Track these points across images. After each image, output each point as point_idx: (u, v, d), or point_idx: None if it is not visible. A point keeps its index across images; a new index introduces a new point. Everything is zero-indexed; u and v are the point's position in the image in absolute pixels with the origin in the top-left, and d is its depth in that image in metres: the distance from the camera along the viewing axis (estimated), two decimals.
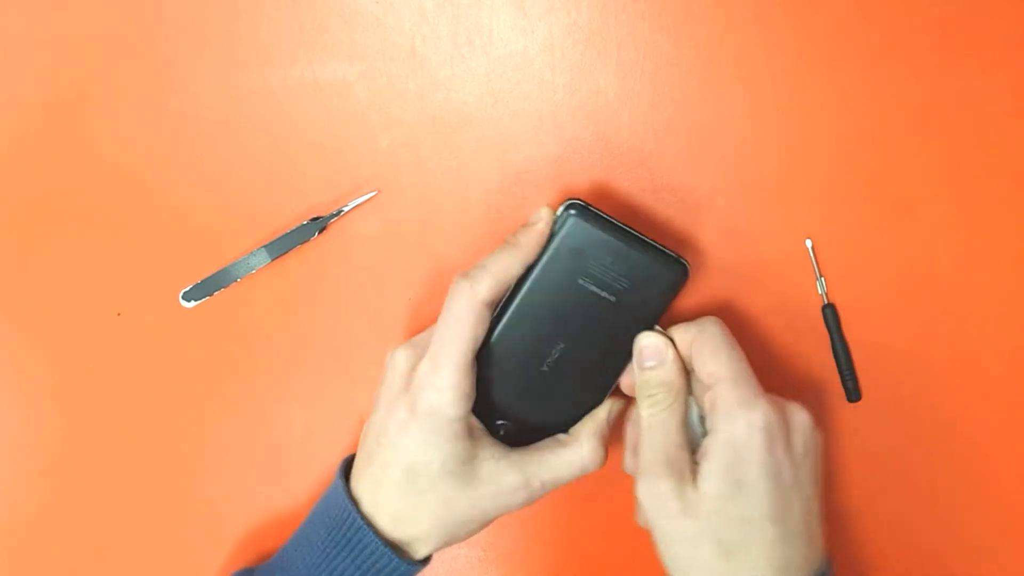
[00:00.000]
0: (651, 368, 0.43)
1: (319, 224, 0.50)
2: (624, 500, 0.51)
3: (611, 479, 0.51)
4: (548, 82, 0.50)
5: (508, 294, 0.43)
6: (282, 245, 0.50)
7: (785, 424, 0.41)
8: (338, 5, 0.50)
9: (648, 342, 0.43)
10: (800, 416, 0.42)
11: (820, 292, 0.50)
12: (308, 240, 0.50)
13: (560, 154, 0.50)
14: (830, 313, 0.49)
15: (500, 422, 0.45)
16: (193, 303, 0.51)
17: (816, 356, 0.50)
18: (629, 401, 0.46)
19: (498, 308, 0.43)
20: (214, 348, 0.52)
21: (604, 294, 0.43)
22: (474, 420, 0.43)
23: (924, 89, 0.49)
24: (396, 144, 0.51)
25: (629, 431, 0.45)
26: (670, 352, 0.43)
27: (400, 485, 0.43)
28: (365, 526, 0.43)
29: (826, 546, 0.42)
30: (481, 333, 0.42)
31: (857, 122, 0.49)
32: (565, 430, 0.45)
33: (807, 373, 0.50)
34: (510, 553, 0.52)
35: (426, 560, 0.45)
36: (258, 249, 0.51)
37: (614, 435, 0.46)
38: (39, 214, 0.52)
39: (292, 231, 0.50)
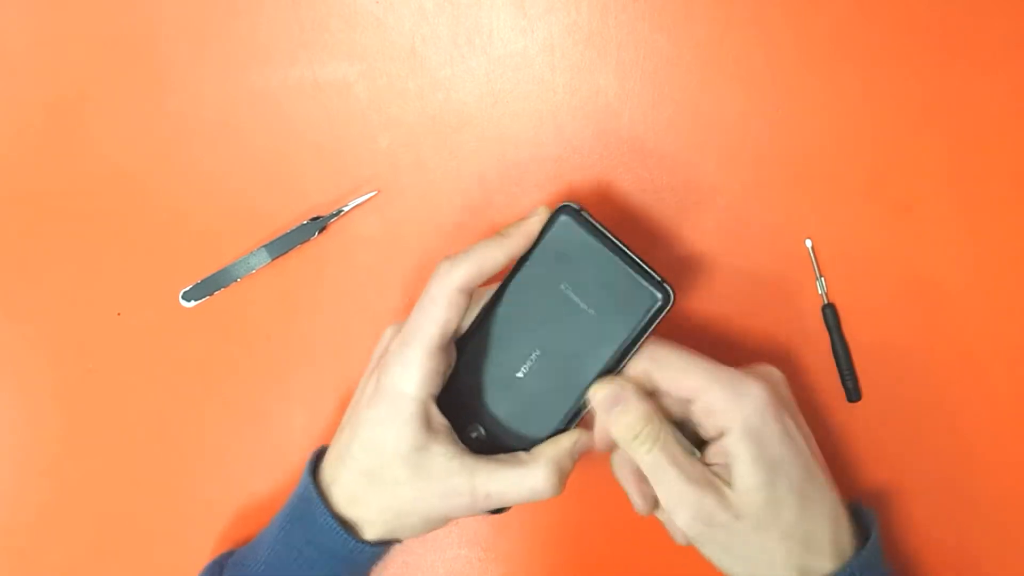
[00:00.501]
0: (622, 411, 0.41)
1: (319, 224, 0.50)
2: (625, 501, 0.51)
3: (612, 480, 0.51)
4: (548, 82, 0.50)
5: (494, 292, 0.43)
6: (282, 245, 0.50)
7: (772, 385, 0.42)
8: (338, 5, 0.50)
9: (604, 391, 0.42)
10: (774, 372, 0.43)
11: (820, 292, 0.50)
12: (308, 240, 0.50)
13: (560, 154, 0.50)
14: (830, 313, 0.49)
15: (472, 429, 0.44)
16: (193, 303, 0.51)
17: (816, 356, 0.50)
18: (592, 439, 0.44)
19: (483, 305, 0.43)
20: (214, 348, 0.52)
21: (584, 305, 0.42)
22: (436, 411, 0.42)
23: (924, 89, 0.49)
24: (396, 144, 0.51)
25: (620, 475, 0.44)
26: (628, 387, 0.42)
27: (356, 461, 0.43)
28: (318, 499, 0.43)
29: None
30: (454, 318, 0.41)
31: (857, 122, 0.49)
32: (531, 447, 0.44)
33: (807, 373, 0.50)
34: (510, 553, 0.52)
35: (380, 547, 0.44)
36: (258, 249, 0.51)
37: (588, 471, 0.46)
38: (39, 214, 0.52)
39: (292, 231, 0.50)
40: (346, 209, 0.51)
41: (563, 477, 0.43)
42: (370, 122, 0.51)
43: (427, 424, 0.42)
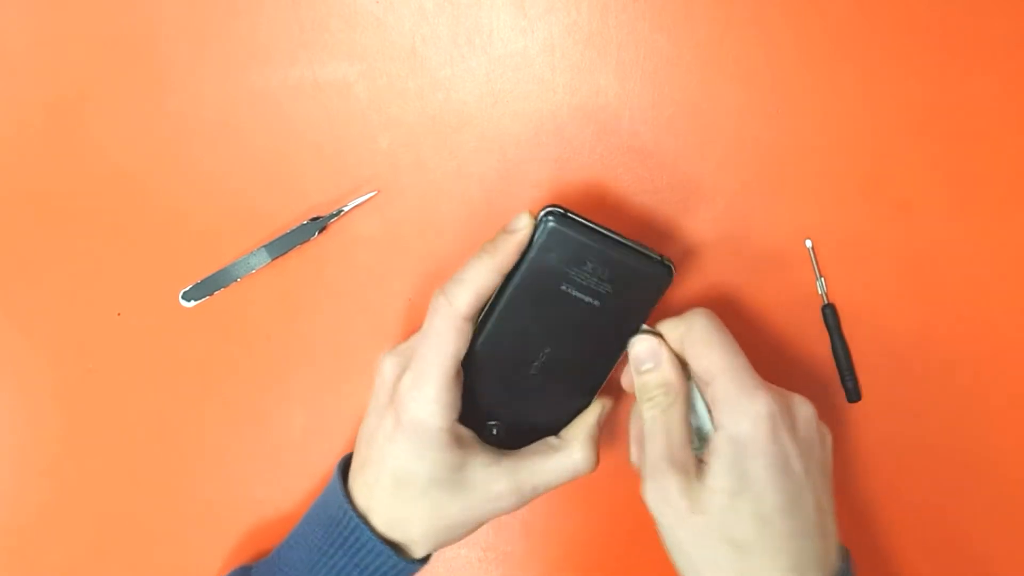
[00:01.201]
0: (648, 371, 0.42)
1: (319, 224, 0.50)
2: (624, 500, 0.51)
3: (611, 479, 0.51)
4: (548, 82, 0.50)
5: (491, 300, 0.43)
6: (282, 245, 0.50)
7: (789, 414, 0.40)
8: (338, 5, 0.50)
9: (642, 346, 0.43)
10: (804, 407, 0.42)
11: (820, 292, 0.50)
12: (308, 240, 0.50)
13: (560, 154, 0.50)
14: (830, 313, 0.49)
15: (491, 423, 0.45)
16: (193, 303, 0.51)
17: (816, 356, 0.50)
18: (620, 398, 0.45)
19: (482, 314, 0.43)
20: (214, 348, 0.52)
21: (588, 299, 0.42)
22: (462, 428, 0.43)
23: (924, 89, 0.49)
24: (396, 144, 0.51)
25: (632, 425, 0.44)
26: (664, 352, 0.42)
27: (390, 492, 0.43)
28: (362, 524, 0.43)
29: (842, 542, 0.42)
30: (462, 346, 0.42)
31: (857, 122, 0.49)
32: (556, 431, 0.45)
33: (807, 373, 0.50)
34: (510, 553, 0.52)
35: (425, 559, 0.45)
36: (258, 249, 0.51)
37: (614, 433, 0.46)
38: (39, 214, 0.52)
39: (292, 231, 0.50)
40: (346, 209, 0.51)
41: (597, 449, 0.44)
42: (370, 122, 0.51)
43: (458, 444, 0.42)
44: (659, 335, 0.43)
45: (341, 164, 0.51)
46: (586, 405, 0.45)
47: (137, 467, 0.53)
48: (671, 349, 0.42)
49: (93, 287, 0.52)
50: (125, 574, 0.53)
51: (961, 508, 0.50)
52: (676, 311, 0.50)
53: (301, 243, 0.50)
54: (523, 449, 0.44)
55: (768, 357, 0.50)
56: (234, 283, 0.51)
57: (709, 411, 0.42)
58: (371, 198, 0.51)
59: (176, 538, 0.53)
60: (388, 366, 0.44)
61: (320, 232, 0.50)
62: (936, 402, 0.50)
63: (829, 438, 0.43)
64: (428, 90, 0.50)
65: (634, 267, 0.41)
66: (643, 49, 0.49)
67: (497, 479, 0.43)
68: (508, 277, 0.42)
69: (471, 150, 0.51)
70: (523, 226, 0.41)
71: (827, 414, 0.50)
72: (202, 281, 0.51)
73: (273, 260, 0.51)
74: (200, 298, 0.51)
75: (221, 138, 0.51)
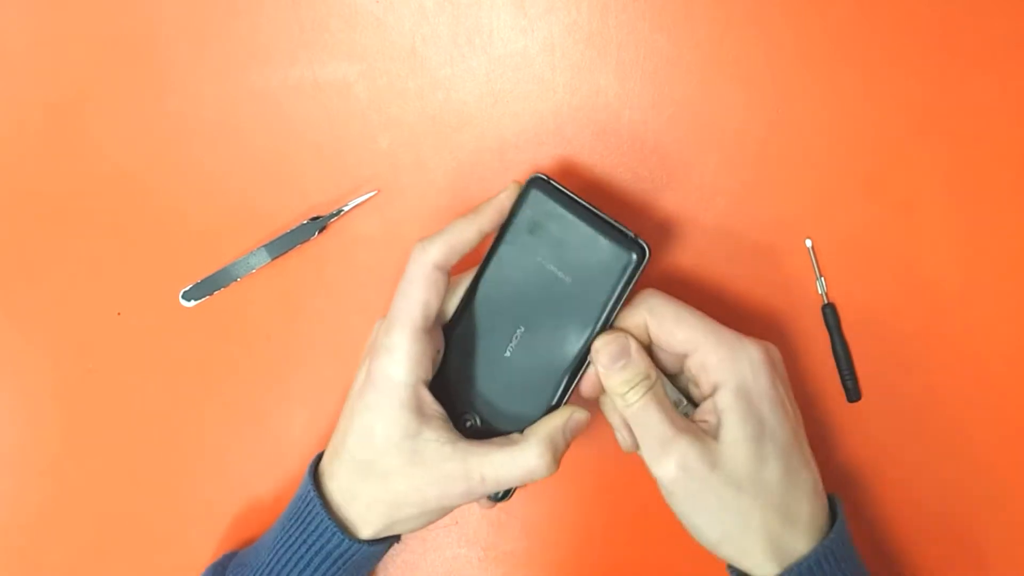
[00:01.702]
0: (622, 367, 0.42)
1: (319, 224, 0.50)
2: (624, 500, 0.51)
3: (611, 480, 0.51)
4: (548, 82, 0.50)
5: (474, 275, 0.43)
6: (282, 245, 0.50)
7: (770, 355, 0.42)
8: (338, 5, 0.50)
9: (610, 347, 0.42)
10: (775, 350, 0.43)
11: (820, 292, 0.50)
12: (308, 240, 0.50)
13: (560, 154, 0.50)
14: (830, 313, 0.49)
15: (467, 416, 0.44)
16: (193, 303, 0.51)
17: (816, 356, 0.50)
18: (588, 416, 0.44)
19: (464, 290, 0.43)
20: (214, 348, 0.52)
21: (562, 274, 0.42)
22: (431, 399, 0.42)
23: (924, 89, 0.49)
24: (396, 144, 0.51)
25: (611, 415, 0.44)
26: (631, 343, 0.42)
27: (350, 453, 0.43)
28: (317, 499, 0.43)
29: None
30: (434, 297, 0.41)
31: (857, 122, 0.49)
32: (528, 422, 0.44)
33: (807, 373, 0.50)
34: (510, 553, 0.52)
35: (377, 543, 0.44)
36: (258, 249, 0.51)
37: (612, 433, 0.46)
38: (39, 214, 0.52)
39: (292, 231, 0.50)
40: (346, 209, 0.51)
41: (557, 454, 0.42)
42: (370, 122, 0.51)
43: (419, 410, 0.42)
44: (620, 329, 0.43)
45: (341, 164, 0.51)
46: (557, 399, 0.44)
47: (137, 467, 0.53)
48: (635, 338, 0.42)
49: (93, 287, 0.52)
50: (125, 574, 0.53)
51: (961, 507, 0.50)
52: None
53: (301, 243, 0.50)
54: (486, 440, 0.43)
55: None
56: (234, 283, 0.51)
57: (683, 385, 0.44)
58: (371, 198, 0.51)
59: (176, 538, 0.53)
60: (377, 325, 0.45)
61: (320, 232, 0.50)
62: (936, 402, 0.50)
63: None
64: (428, 90, 0.50)
65: (609, 243, 0.41)
66: (643, 49, 0.49)
67: (448, 459, 0.41)
68: (491, 249, 0.43)
69: (471, 150, 0.51)
70: (508, 189, 0.42)
71: (827, 414, 0.50)
72: (202, 281, 0.51)
73: (273, 260, 0.51)
74: (200, 298, 0.51)
75: (221, 138, 0.51)
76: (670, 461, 0.40)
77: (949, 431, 0.50)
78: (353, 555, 0.43)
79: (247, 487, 0.52)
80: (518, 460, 0.42)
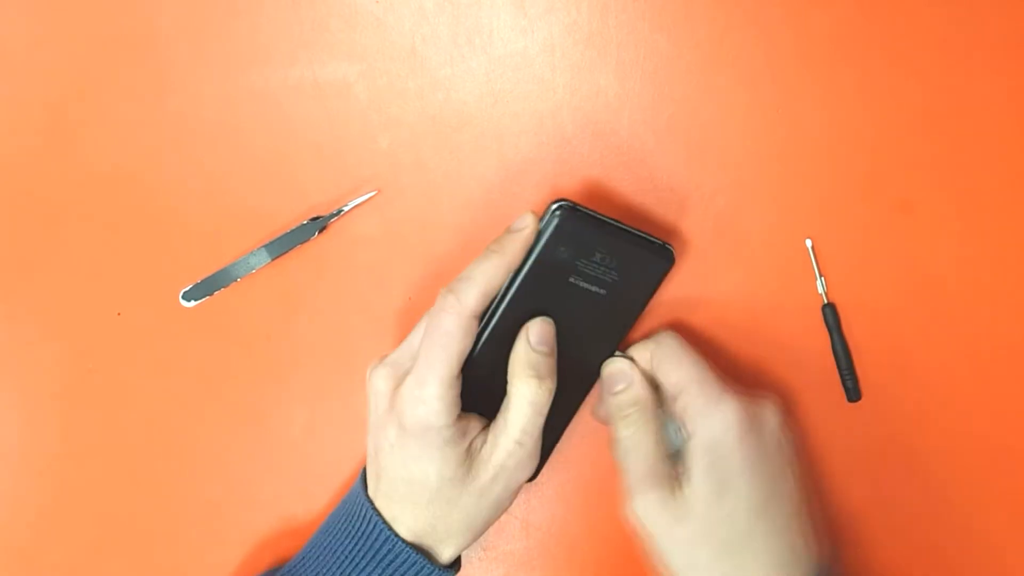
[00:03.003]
0: (621, 391, 0.44)
1: (319, 224, 0.50)
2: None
3: (611, 480, 0.51)
4: (548, 82, 0.50)
5: (499, 296, 0.43)
6: (282, 245, 0.50)
7: (757, 418, 0.42)
8: (338, 5, 0.50)
9: (613, 368, 0.44)
10: (771, 411, 0.43)
11: (820, 292, 0.50)
12: (308, 240, 0.50)
13: (560, 154, 0.50)
14: (830, 313, 0.49)
15: None
16: (193, 303, 0.51)
17: (816, 356, 0.50)
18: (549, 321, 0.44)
19: (487, 314, 0.43)
20: (214, 348, 0.52)
21: (594, 289, 0.43)
22: (466, 421, 0.43)
23: (924, 89, 0.49)
24: (396, 144, 0.51)
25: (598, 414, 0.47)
26: (635, 372, 0.44)
27: (407, 498, 0.43)
28: (393, 536, 0.43)
29: (824, 542, 0.43)
30: (468, 345, 0.42)
31: (857, 122, 0.49)
32: (558, 428, 0.46)
33: (807, 373, 0.50)
34: (510, 553, 0.52)
35: (455, 565, 0.45)
36: (258, 249, 0.51)
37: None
38: (39, 214, 0.52)
39: (292, 231, 0.50)
40: (346, 209, 0.51)
41: (539, 369, 0.42)
42: (370, 122, 0.51)
43: (463, 436, 0.42)
44: (629, 357, 0.45)
45: (341, 164, 0.51)
46: (580, 400, 0.46)
47: (137, 467, 0.52)
48: (641, 369, 0.44)
49: (93, 287, 0.52)
50: (125, 574, 0.53)
51: (962, 507, 0.50)
52: (675, 311, 0.50)
53: (301, 243, 0.50)
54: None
55: (768, 357, 0.50)
56: (234, 283, 0.51)
57: (678, 426, 0.44)
58: (371, 198, 0.51)
59: (176, 538, 0.53)
60: (380, 378, 0.44)
61: (320, 232, 0.50)
62: (936, 402, 0.50)
63: (793, 436, 0.44)
64: (428, 90, 0.50)
65: (639, 254, 0.43)
66: (643, 49, 0.49)
67: (491, 452, 0.43)
68: (518, 271, 0.43)
69: (471, 150, 0.51)
70: (528, 224, 0.42)
71: (827, 414, 0.50)
72: (202, 281, 0.51)
73: (273, 260, 0.51)
74: (200, 298, 0.51)
75: (221, 138, 0.51)
76: (636, 505, 0.42)
77: (949, 431, 0.50)
78: None
79: (247, 487, 0.52)
80: (519, 402, 0.42)
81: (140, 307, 0.52)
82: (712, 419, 0.41)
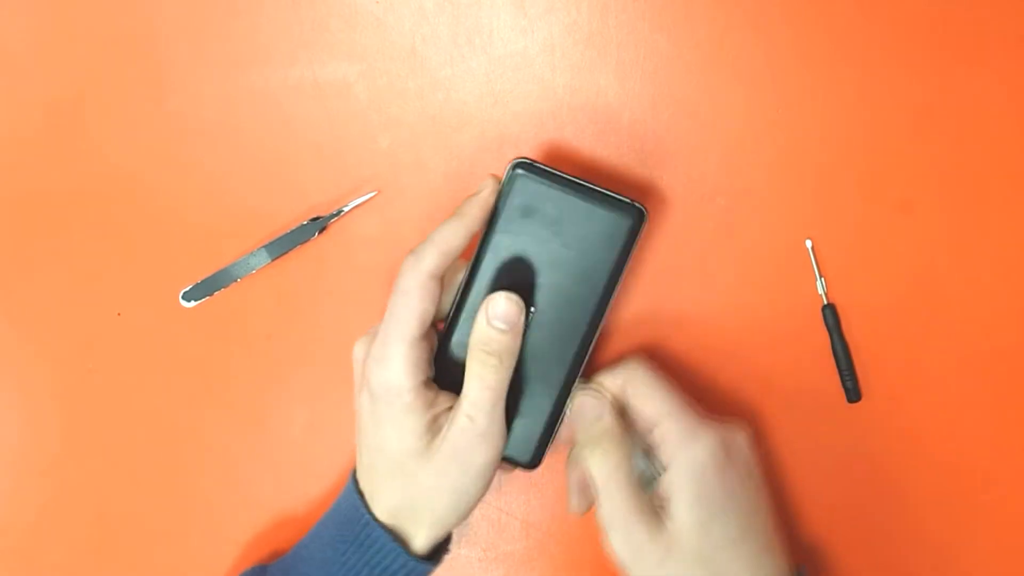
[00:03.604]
0: (591, 421, 0.44)
1: (319, 224, 0.50)
2: None
3: None
4: (548, 82, 0.50)
5: (471, 264, 0.43)
6: (282, 245, 0.50)
7: (732, 445, 0.43)
8: (338, 5, 0.50)
9: (584, 400, 0.44)
10: (740, 435, 0.44)
11: (820, 292, 0.50)
12: (308, 240, 0.50)
13: (560, 154, 0.50)
14: (830, 313, 0.49)
15: None
16: (193, 303, 0.51)
17: (816, 356, 0.50)
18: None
19: (463, 280, 0.43)
20: (214, 348, 0.52)
21: (565, 249, 0.43)
22: (436, 393, 0.43)
23: (924, 89, 0.49)
24: (396, 144, 0.51)
25: (571, 472, 0.45)
26: (606, 404, 0.44)
27: (375, 469, 0.43)
28: (372, 521, 0.43)
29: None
30: (429, 305, 0.42)
31: (857, 122, 0.49)
32: (544, 406, 0.45)
33: (807, 373, 0.50)
34: (510, 553, 0.52)
35: (435, 558, 0.45)
36: (258, 249, 0.51)
37: None
38: (39, 214, 0.52)
39: (292, 231, 0.50)
40: (346, 209, 0.51)
41: (488, 342, 0.42)
42: (370, 122, 0.51)
43: (429, 407, 0.42)
44: (596, 388, 0.44)
45: (341, 164, 0.51)
46: (574, 365, 0.44)
47: (137, 467, 0.53)
48: (612, 395, 0.44)
49: (93, 287, 0.52)
50: (125, 574, 0.53)
51: (962, 507, 0.50)
52: (675, 311, 0.50)
53: (301, 243, 0.50)
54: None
55: (768, 357, 0.50)
56: (234, 283, 0.51)
57: (645, 455, 0.44)
58: (371, 198, 0.51)
59: (176, 538, 0.53)
60: (358, 348, 0.45)
61: (320, 232, 0.50)
62: (936, 402, 0.50)
63: (760, 463, 0.45)
64: (428, 90, 0.50)
65: (606, 212, 0.42)
66: (643, 49, 0.49)
67: (471, 439, 0.42)
68: (484, 238, 0.43)
69: (471, 150, 0.51)
70: (487, 186, 0.43)
71: (827, 414, 0.50)
72: (202, 281, 0.51)
73: (273, 260, 0.51)
74: (200, 298, 0.51)
75: (221, 138, 0.51)
76: (620, 540, 0.41)
77: (949, 431, 0.50)
78: (413, 571, 0.43)
79: (247, 487, 0.52)
80: (472, 381, 0.42)
81: (140, 307, 0.52)
82: (692, 451, 0.41)
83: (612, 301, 0.44)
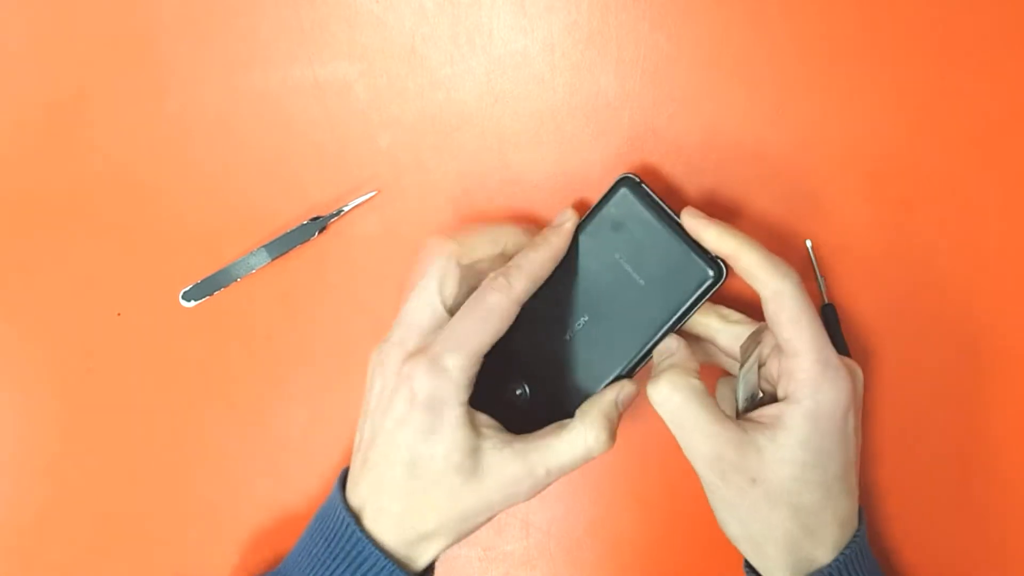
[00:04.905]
0: (666, 356, 0.43)
1: (319, 224, 0.50)
2: (626, 499, 0.51)
3: (612, 481, 0.51)
4: (548, 82, 0.50)
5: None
6: (282, 245, 0.50)
7: (855, 394, 0.42)
8: (338, 5, 0.50)
9: (666, 345, 0.44)
10: (858, 373, 0.43)
11: (820, 292, 0.50)
12: (308, 240, 0.50)
13: (560, 154, 0.50)
14: (830, 313, 0.49)
15: (516, 386, 0.45)
16: (193, 303, 0.51)
17: None
18: (639, 387, 0.44)
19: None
20: (214, 348, 0.52)
21: (636, 275, 0.43)
22: (474, 411, 0.42)
23: (924, 89, 0.49)
24: (396, 144, 0.51)
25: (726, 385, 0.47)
26: (681, 341, 0.44)
27: (402, 483, 0.42)
28: (364, 537, 0.42)
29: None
30: (502, 330, 0.42)
31: (857, 122, 0.49)
32: (575, 407, 0.44)
33: None
34: (510, 553, 0.52)
35: (429, 570, 0.44)
36: (258, 249, 0.51)
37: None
38: (39, 214, 0.52)
39: (292, 231, 0.50)
40: (346, 209, 0.51)
41: (613, 429, 0.43)
42: (370, 122, 0.51)
43: (472, 425, 0.42)
44: (679, 339, 0.44)
45: (341, 164, 0.51)
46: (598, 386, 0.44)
47: (137, 467, 0.53)
48: (685, 346, 0.44)
49: (93, 287, 0.52)
50: (125, 574, 0.53)
51: (963, 505, 0.50)
52: None
53: (301, 243, 0.50)
54: (534, 433, 0.43)
55: None
56: (234, 283, 0.51)
57: (761, 368, 0.43)
58: (371, 198, 0.51)
59: (176, 538, 0.53)
60: (388, 355, 0.43)
61: (320, 232, 0.50)
62: (937, 403, 0.50)
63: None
64: (428, 90, 0.50)
65: (689, 257, 0.43)
66: (643, 49, 0.49)
67: (510, 462, 0.41)
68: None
69: (471, 150, 0.51)
70: (568, 218, 0.44)
71: None
72: (202, 281, 0.51)
73: (273, 260, 0.51)
74: (200, 298, 0.51)
75: (221, 138, 0.51)
76: (706, 459, 0.41)
77: (949, 431, 0.50)
78: None
79: (247, 487, 0.52)
80: (577, 443, 0.42)
81: (140, 307, 0.52)
82: (824, 394, 0.40)
83: (658, 344, 0.44)
